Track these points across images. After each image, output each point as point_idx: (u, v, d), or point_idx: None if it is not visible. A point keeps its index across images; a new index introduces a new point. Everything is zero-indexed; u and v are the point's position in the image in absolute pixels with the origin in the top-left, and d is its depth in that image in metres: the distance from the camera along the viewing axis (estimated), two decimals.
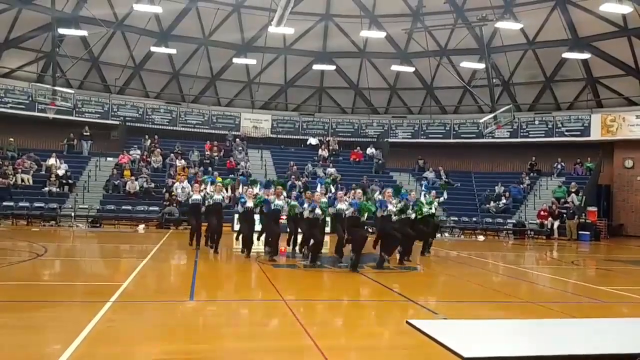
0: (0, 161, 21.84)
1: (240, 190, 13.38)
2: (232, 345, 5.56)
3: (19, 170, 21.60)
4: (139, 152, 24.89)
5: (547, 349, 3.32)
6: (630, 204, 24.83)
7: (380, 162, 27.14)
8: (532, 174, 25.83)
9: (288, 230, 12.68)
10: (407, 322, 3.82)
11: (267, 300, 7.77)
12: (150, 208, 21.16)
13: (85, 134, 24.87)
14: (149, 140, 25.62)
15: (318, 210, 10.79)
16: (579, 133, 25.52)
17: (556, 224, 21.96)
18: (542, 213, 22.44)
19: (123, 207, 20.87)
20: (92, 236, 17.33)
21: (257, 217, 12.52)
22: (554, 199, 23.26)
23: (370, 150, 28.02)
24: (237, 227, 15.38)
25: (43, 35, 23.84)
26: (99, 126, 25.59)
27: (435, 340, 3.36)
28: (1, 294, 7.27)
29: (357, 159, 27.67)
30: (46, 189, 21.16)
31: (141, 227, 19.41)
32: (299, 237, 12.41)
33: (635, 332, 3.88)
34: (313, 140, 28.47)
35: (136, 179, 22.36)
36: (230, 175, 23.50)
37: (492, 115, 24.35)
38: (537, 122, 26.55)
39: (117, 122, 26.38)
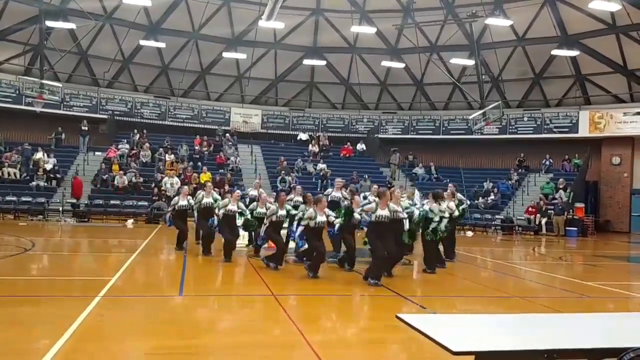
0: None
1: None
2: (222, 340, 5.56)
3: (6, 164, 21.37)
4: (127, 146, 24.69)
5: (534, 343, 3.36)
6: (617, 201, 25.07)
7: (396, 166, 26.94)
8: (520, 170, 26.00)
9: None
10: (396, 316, 3.85)
11: (257, 295, 7.76)
12: (139, 203, 21.05)
13: (83, 128, 24.61)
14: (138, 135, 25.45)
15: (322, 218, 9.21)
16: (567, 130, 25.70)
17: (544, 220, 22.14)
18: (530, 209, 22.61)
19: (111, 202, 20.73)
20: (80, 231, 17.19)
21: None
22: (542, 195, 23.44)
23: (360, 146, 28.05)
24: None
25: (30, 28, 23.52)
26: (88, 120, 25.33)
27: (424, 334, 3.39)
28: None
29: (348, 155, 27.70)
30: (34, 183, 20.96)
31: (130, 222, 19.29)
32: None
33: (621, 327, 3.94)
34: (303, 136, 28.47)
35: (125, 174, 22.20)
36: (220, 171, 23.51)
37: (481, 111, 24.43)
38: (525, 119, 26.72)
39: (106, 116, 26.16)
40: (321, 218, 9.18)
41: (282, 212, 10.08)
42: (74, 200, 20.29)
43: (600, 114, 24.90)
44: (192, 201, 12.06)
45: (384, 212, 8.52)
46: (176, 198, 12.25)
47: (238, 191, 11.79)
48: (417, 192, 12.20)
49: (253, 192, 11.30)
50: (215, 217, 10.84)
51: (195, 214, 11.88)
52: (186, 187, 13.40)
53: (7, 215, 19.65)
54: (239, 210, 10.89)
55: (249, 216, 10.88)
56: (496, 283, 10.01)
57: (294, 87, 29.57)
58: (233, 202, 10.85)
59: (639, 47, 22.68)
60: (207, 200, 11.44)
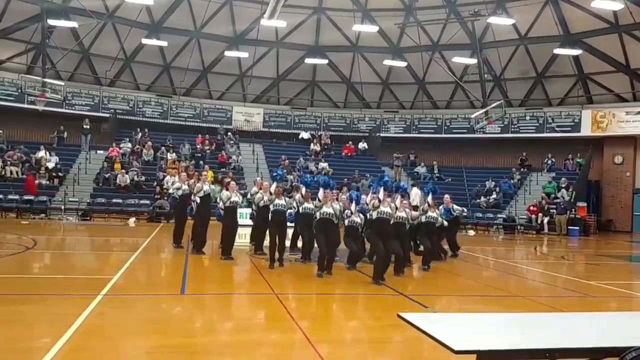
0: None
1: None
2: (223, 339, 5.57)
3: (8, 162, 21.39)
4: (129, 145, 24.72)
5: (537, 342, 3.35)
6: (619, 200, 25.03)
7: (400, 167, 26.37)
8: (522, 169, 25.95)
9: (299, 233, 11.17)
10: (398, 315, 3.84)
11: (258, 294, 7.77)
12: (141, 201, 21.06)
13: (85, 126, 24.62)
14: (140, 133, 25.46)
15: (330, 210, 9.21)
16: (569, 129, 25.66)
17: (546, 219, 22.10)
18: (532, 208, 22.58)
19: (113, 201, 20.75)
20: (82, 229, 17.23)
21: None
22: (544, 194, 23.40)
23: (362, 145, 28.02)
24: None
25: (33, 26, 23.53)
26: (90, 119, 25.36)
27: (426, 333, 3.38)
28: None
29: (349, 154, 27.69)
30: (36, 181, 20.97)
31: (132, 220, 19.32)
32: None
33: (623, 326, 3.93)
34: (305, 135, 28.46)
35: (127, 172, 22.22)
36: (222, 169, 23.49)
37: (483, 110, 24.42)
38: (528, 118, 26.67)
39: (108, 115, 26.18)
40: (328, 209, 9.18)
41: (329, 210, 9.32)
42: (31, 197, 19.92)
43: (603, 113, 24.85)
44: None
45: (386, 209, 8.67)
46: (178, 184, 11.97)
47: (233, 182, 11.64)
48: (418, 192, 12.19)
49: (256, 190, 11.19)
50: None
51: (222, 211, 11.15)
52: (183, 173, 13.00)
53: (9, 214, 19.68)
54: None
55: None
56: (498, 282, 10.00)
57: (295, 86, 29.56)
58: (234, 194, 10.81)
59: None
60: (235, 199, 10.85)
